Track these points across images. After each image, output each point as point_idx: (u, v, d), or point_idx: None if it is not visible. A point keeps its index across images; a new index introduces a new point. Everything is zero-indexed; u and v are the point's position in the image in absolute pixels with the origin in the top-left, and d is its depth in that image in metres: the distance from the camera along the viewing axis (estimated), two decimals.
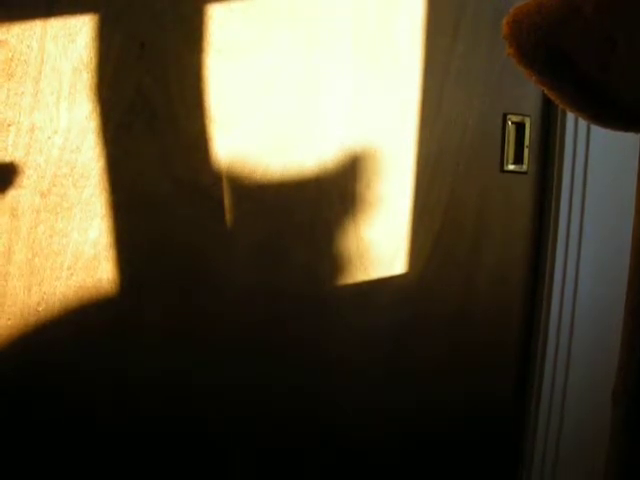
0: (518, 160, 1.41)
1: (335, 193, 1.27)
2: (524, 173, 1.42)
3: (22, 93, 1.04)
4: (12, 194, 1.06)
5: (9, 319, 1.07)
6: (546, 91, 0.66)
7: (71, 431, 1.13)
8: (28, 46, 1.04)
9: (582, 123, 1.38)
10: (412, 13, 1.29)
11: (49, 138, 1.06)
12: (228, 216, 1.20)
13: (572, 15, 0.56)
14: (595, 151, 1.40)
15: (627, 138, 1.31)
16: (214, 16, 1.15)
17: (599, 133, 1.38)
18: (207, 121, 1.16)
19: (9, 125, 1.04)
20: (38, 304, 1.09)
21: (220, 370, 1.22)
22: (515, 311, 1.45)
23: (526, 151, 1.41)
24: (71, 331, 1.11)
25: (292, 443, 1.30)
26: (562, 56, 0.60)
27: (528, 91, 1.40)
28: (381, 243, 1.31)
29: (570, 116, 1.38)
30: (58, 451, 1.13)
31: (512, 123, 1.39)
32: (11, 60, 1.03)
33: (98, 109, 1.09)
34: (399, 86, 1.30)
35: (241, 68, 1.18)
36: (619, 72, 0.55)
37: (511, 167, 1.40)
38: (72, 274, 1.10)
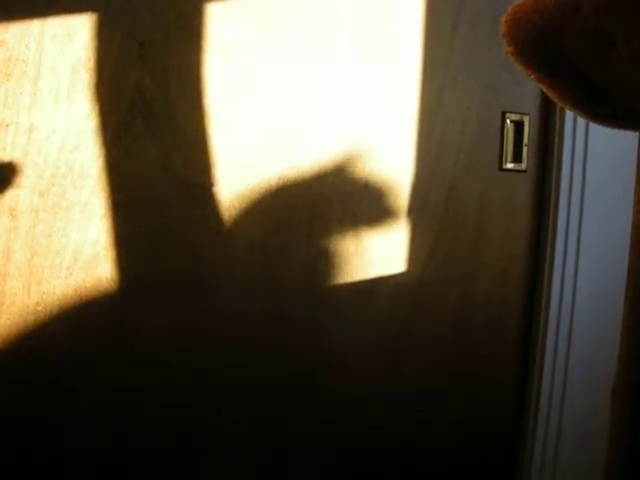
0: (517, 158, 1.41)
1: (334, 192, 1.26)
2: (523, 171, 1.42)
3: (20, 93, 1.04)
4: (11, 194, 1.05)
5: (8, 318, 1.07)
6: (545, 89, 0.66)
7: (71, 429, 1.13)
8: (26, 46, 1.03)
9: (581, 121, 1.38)
10: (411, 12, 1.29)
11: (48, 138, 1.06)
12: (227, 216, 1.20)
13: (570, 14, 0.56)
14: (594, 149, 1.40)
15: (625, 136, 1.31)
16: (214, 15, 1.15)
17: (598, 131, 1.38)
18: (207, 121, 1.16)
19: (7, 125, 1.04)
20: (37, 303, 1.09)
21: (219, 368, 1.22)
22: (515, 309, 1.45)
23: (525, 149, 1.41)
24: (70, 330, 1.11)
25: (290, 447, 1.30)
26: (560, 55, 0.60)
27: (527, 89, 1.40)
28: (380, 242, 1.31)
29: (569, 114, 1.38)
30: (57, 447, 1.13)
31: (511, 121, 1.39)
32: (9, 60, 1.03)
33: (97, 109, 1.09)
34: (398, 85, 1.30)
35: (241, 68, 1.18)
36: (617, 71, 0.55)
37: (510, 165, 1.40)
38: (71, 274, 1.10)
